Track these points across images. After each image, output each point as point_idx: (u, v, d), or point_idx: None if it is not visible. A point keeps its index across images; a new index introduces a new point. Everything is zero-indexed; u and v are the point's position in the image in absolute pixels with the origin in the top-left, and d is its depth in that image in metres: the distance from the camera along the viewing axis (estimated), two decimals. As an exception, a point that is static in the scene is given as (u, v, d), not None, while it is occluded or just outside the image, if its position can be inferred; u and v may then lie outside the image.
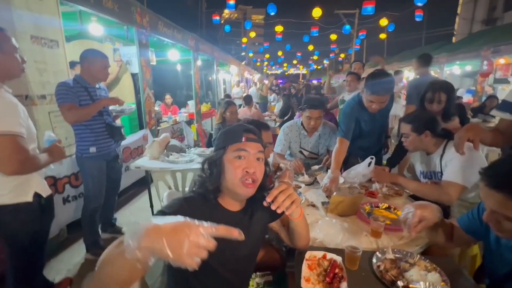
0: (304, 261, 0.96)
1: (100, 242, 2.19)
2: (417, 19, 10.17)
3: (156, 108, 4.36)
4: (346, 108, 1.99)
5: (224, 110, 3.01)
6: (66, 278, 1.85)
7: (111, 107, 2.15)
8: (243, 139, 0.87)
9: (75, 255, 2.17)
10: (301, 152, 2.19)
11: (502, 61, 7.03)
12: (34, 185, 1.28)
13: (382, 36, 14.47)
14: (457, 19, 12.90)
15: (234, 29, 18.70)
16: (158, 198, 2.16)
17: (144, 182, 3.48)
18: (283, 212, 0.83)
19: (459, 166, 1.37)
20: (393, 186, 1.70)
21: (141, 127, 3.80)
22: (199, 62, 5.69)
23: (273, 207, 0.81)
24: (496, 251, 0.89)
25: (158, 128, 4.15)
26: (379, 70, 2.01)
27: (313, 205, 1.49)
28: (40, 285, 1.49)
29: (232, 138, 0.88)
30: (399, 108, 4.76)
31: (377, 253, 1.03)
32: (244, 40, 18.54)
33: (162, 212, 0.81)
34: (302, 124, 2.16)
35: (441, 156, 1.50)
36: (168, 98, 5.46)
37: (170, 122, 4.62)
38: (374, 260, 0.99)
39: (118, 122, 3.29)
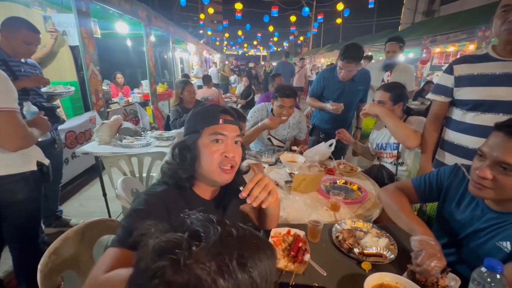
0: (270, 238, 0.98)
1: (44, 237, 1.96)
2: (370, 6, 10.72)
3: (105, 88, 3.91)
4: (319, 76, 2.34)
5: (182, 90, 2.87)
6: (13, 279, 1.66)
7: (43, 89, 1.85)
8: (220, 121, 0.79)
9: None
10: (269, 139, 2.18)
11: (438, 50, 7.88)
12: (35, 155, 1.36)
13: (338, 20, 14.99)
14: (403, 9, 13.94)
15: (190, 4, 17.37)
16: (112, 186, 1.98)
17: (94, 170, 3.19)
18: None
19: (421, 127, 1.52)
20: (349, 163, 1.83)
21: (86, 108, 3.38)
22: (152, 38, 5.20)
23: (248, 201, 0.77)
24: (448, 220, 0.97)
25: (108, 110, 3.76)
26: (353, 43, 2.17)
27: (277, 184, 1.53)
28: (40, 250, 1.45)
29: (208, 120, 0.80)
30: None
31: (336, 225, 1.10)
32: (202, 16, 17.44)
33: (136, 211, 0.73)
34: (272, 111, 2.11)
35: None
36: (119, 77, 4.93)
37: (122, 103, 4.21)
38: (333, 232, 1.06)
39: (57, 103, 2.88)
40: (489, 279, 0.60)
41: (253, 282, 0.34)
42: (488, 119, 1.19)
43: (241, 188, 0.78)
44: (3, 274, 1.73)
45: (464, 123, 1.28)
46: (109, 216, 2.32)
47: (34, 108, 1.40)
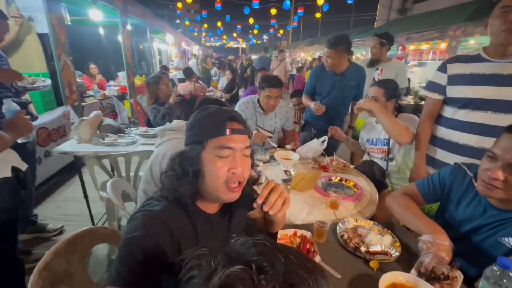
0: (278, 241, 0.96)
1: (19, 246, 1.79)
2: (349, 1, 10.91)
3: (79, 80, 3.62)
4: (311, 73, 2.37)
5: (157, 86, 2.67)
6: None
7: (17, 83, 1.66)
8: (227, 131, 0.68)
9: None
10: (257, 130, 2.17)
11: (412, 47, 8.25)
12: (11, 159, 1.25)
13: (318, 15, 15.13)
14: (378, 6, 14.37)
15: (166, -9, 16.59)
16: (95, 187, 1.85)
17: (71, 169, 2.97)
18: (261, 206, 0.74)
19: (412, 124, 1.56)
20: (341, 160, 1.86)
21: (59, 103, 3.12)
22: (129, 27, 4.88)
23: (265, 209, 0.72)
24: (451, 216, 1.01)
25: (83, 104, 3.50)
26: (339, 32, 2.32)
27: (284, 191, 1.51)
28: (18, 264, 1.36)
29: (213, 130, 0.69)
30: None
31: (340, 224, 1.11)
32: (179, 5, 16.72)
33: (133, 239, 0.63)
34: (258, 102, 2.15)
35: None
36: (93, 68, 4.59)
37: (98, 96, 3.95)
38: (338, 231, 1.07)
39: (26, 97, 2.62)
40: (501, 277, 0.63)
41: None
42: (477, 116, 1.26)
43: (255, 196, 0.74)
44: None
45: (455, 120, 1.35)
46: (91, 218, 2.18)
47: (15, 106, 1.26)
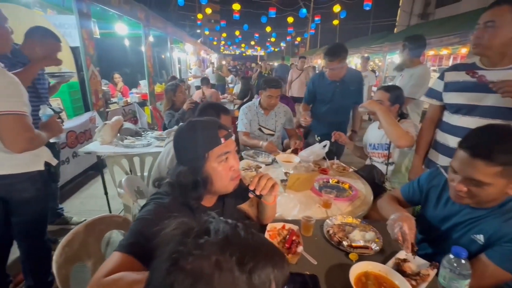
0: (266, 232, 1.07)
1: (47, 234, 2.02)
2: (366, 8, 10.84)
3: (104, 88, 3.96)
4: (309, 82, 2.50)
5: (174, 93, 2.90)
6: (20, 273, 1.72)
7: (47, 69, 1.96)
8: (222, 140, 0.82)
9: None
10: (260, 129, 2.35)
11: (431, 52, 8.04)
12: (44, 155, 1.41)
13: (335, 22, 15.11)
14: (399, 11, 14.12)
15: (188, 3, 17.39)
16: (114, 185, 2.05)
17: (95, 169, 3.25)
18: (253, 192, 0.89)
19: (413, 130, 1.60)
20: (341, 163, 1.92)
21: (86, 109, 3.44)
22: (150, 38, 5.25)
23: (257, 192, 0.87)
24: (431, 217, 1.08)
25: (107, 110, 3.82)
26: (335, 43, 2.37)
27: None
28: (47, 247, 1.53)
29: (210, 142, 0.81)
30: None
31: (327, 220, 1.19)
32: (200, 16, 17.46)
33: (144, 220, 0.76)
34: (259, 103, 2.34)
35: None
36: (117, 77, 4.99)
37: (121, 103, 4.28)
38: (324, 227, 1.15)
39: (59, 104, 2.94)
40: (455, 264, 0.69)
41: (250, 284, 0.36)
42: (467, 121, 1.30)
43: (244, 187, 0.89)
44: (10, 269, 1.79)
45: (449, 124, 1.41)
46: (110, 213, 2.39)
47: (50, 111, 1.46)
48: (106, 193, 2.32)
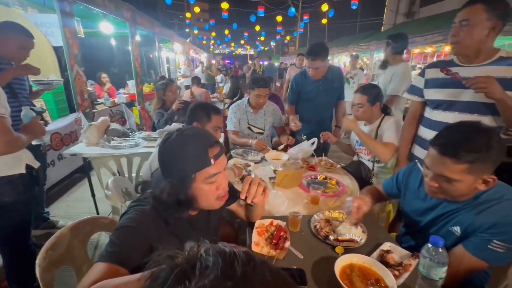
0: (254, 229, 1.08)
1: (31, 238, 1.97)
2: (353, 7, 11.01)
3: (90, 89, 3.87)
4: (292, 82, 2.48)
5: (164, 92, 2.89)
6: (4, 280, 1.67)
7: (33, 78, 1.88)
8: (212, 161, 0.75)
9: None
10: (249, 128, 2.35)
11: (417, 50, 8.23)
12: (25, 158, 1.38)
13: (324, 21, 15.26)
14: (385, 10, 14.38)
15: (176, 2, 17.19)
16: (101, 187, 2.01)
17: (81, 171, 3.18)
18: (244, 201, 0.88)
19: (395, 132, 1.67)
20: (329, 160, 1.95)
21: (71, 110, 3.35)
22: (137, 38, 5.16)
23: (248, 201, 0.86)
24: (412, 210, 1.12)
25: (94, 111, 3.73)
26: (315, 42, 2.38)
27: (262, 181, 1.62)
28: (31, 252, 1.48)
29: (198, 162, 0.74)
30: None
31: (314, 215, 1.21)
32: (188, 15, 17.28)
33: (125, 228, 0.73)
34: (248, 102, 2.34)
35: (378, 127, 1.78)
36: (104, 77, 4.88)
37: (108, 104, 4.19)
38: (312, 222, 1.17)
39: (42, 105, 2.85)
40: (433, 253, 0.72)
41: None
42: (446, 116, 1.35)
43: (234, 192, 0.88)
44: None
45: (429, 120, 1.45)
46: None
47: (31, 113, 1.42)
48: (93, 196, 2.28)
